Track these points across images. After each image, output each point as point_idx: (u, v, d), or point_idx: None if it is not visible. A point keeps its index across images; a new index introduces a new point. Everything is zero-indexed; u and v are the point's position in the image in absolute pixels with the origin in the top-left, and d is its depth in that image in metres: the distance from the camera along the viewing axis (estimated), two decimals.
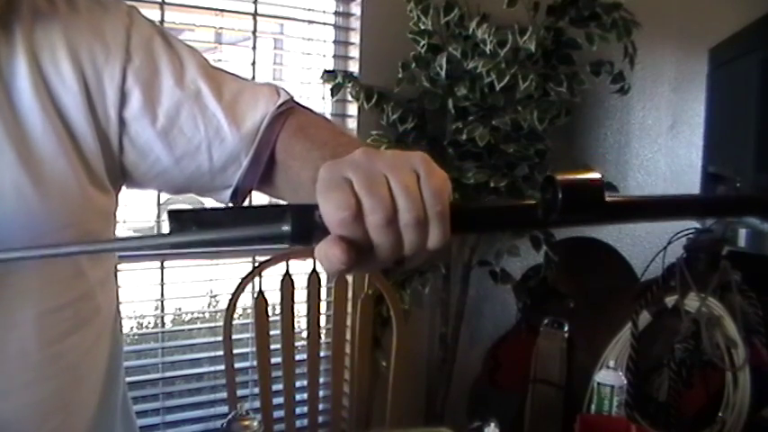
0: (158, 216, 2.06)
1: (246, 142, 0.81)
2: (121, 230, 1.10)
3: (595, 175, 0.53)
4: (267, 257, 1.78)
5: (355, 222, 0.50)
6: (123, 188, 0.87)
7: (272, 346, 1.74)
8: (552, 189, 0.52)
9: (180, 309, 2.45)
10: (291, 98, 0.84)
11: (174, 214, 0.50)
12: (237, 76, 0.86)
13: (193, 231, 0.50)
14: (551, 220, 0.53)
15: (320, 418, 1.90)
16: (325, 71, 2.15)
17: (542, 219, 0.53)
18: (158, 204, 1.98)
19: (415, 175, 0.51)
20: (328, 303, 2.04)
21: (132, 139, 0.80)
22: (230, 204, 0.85)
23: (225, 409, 1.97)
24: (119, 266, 0.94)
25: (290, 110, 0.83)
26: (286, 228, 0.51)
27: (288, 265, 1.75)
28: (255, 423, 1.03)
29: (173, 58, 0.81)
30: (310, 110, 0.87)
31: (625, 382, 1.37)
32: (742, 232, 2.15)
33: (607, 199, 0.53)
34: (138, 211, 1.98)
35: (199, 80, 0.81)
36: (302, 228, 0.51)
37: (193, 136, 0.81)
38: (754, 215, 1.55)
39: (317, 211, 0.51)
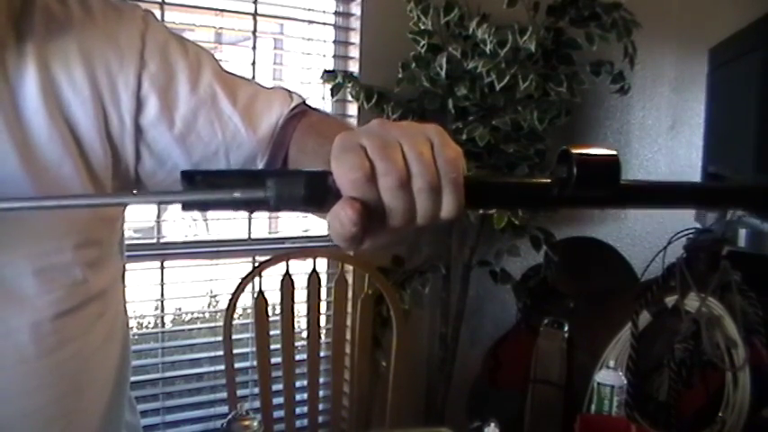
0: (158, 216, 2.06)
1: (263, 146, 0.81)
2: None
3: (612, 152, 0.52)
4: (267, 257, 1.78)
5: (368, 184, 0.49)
6: None
7: (272, 346, 1.74)
8: (567, 164, 0.51)
9: (180, 309, 2.45)
10: (304, 101, 0.85)
11: (186, 174, 0.50)
12: (250, 80, 0.87)
13: (205, 191, 0.50)
14: (565, 197, 0.52)
15: (320, 418, 1.90)
16: (325, 71, 2.15)
17: (557, 195, 0.53)
18: (158, 205, 1.98)
19: (429, 143, 0.51)
20: (328, 303, 2.04)
21: (149, 145, 0.80)
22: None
23: (225, 409, 1.97)
24: None
25: (302, 112, 0.84)
26: (300, 191, 0.50)
27: (288, 265, 1.75)
28: (255, 423, 1.03)
29: (188, 63, 0.80)
30: (322, 111, 0.88)
31: (625, 382, 1.37)
32: (742, 232, 2.14)
33: (622, 182, 0.52)
34: (137, 211, 1.98)
35: (215, 84, 0.81)
36: (315, 191, 0.50)
37: (211, 141, 0.81)
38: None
39: (330, 176, 0.50)
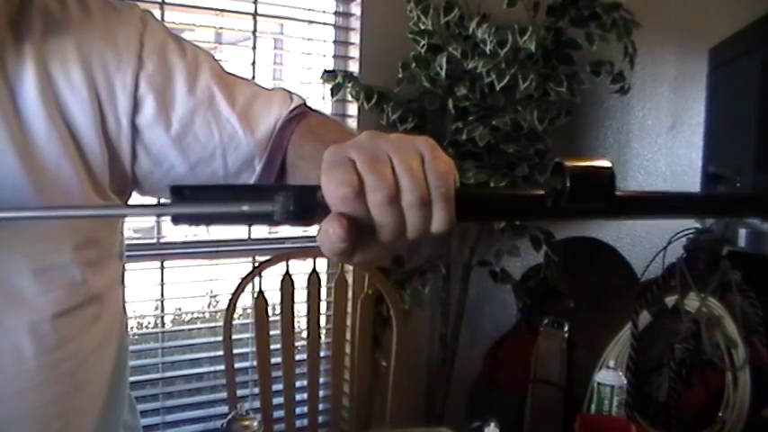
0: (158, 216, 2.06)
1: (260, 148, 0.81)
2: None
3: (606, 164, 0.52)
4: (267, 257, 1.78)
5: (356, 199, 0.49)
6: (134, 195, 0.86)
7: (272, 346, 1.74)
8: (561, 176, 0.51)
9: (180, 309, 2.45)
10: (304, 103, 0.84)
11: (175, 189, 0.50)
12: (250, 81, 0.86)
13: (194, 204, 0.50)
14: (559, 209, 0.52)
15: (320, 418, 1.90)
16: (325, 71, 2.15)
17: (551, 207, 0.52)
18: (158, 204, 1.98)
19: (419, 157, 0.50)
20: (328, 303, 2.04)
21: (146, 146, 0.80)
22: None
23: (225, 409, 1.97)
24: None
25: (302, 114, 0.83)
26: (288, 207, 0.50)
27: (288, 265, 1.75)
28: (255, 423, 1.03)
29: (186, 64, 0.80)
30: (322, 113, 0.87)
31: (625, 382, 1.37)
32: (742, 232, 2.15)
33: (617, 193, 0.52)
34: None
35: (213, 86, 0.81)
36: (304, 207, 0.50)
37: (208, 142, 0.81)
38: (763, 216, 1.53)
39: (319, 191, 0.50)
